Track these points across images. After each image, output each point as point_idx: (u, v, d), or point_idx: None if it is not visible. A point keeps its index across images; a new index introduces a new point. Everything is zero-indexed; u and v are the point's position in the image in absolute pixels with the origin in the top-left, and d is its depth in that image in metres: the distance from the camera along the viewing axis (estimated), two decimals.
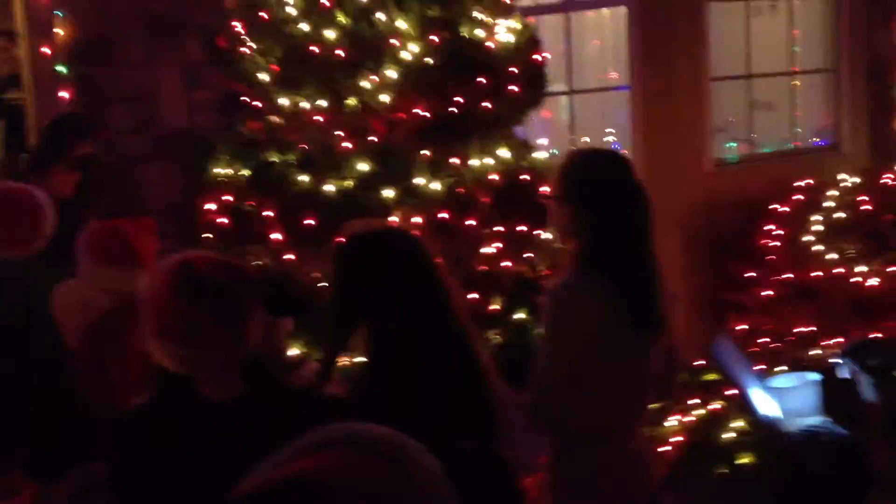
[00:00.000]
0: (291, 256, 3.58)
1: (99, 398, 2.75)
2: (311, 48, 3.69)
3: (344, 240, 2.33)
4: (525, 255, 3.70)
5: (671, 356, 2.54)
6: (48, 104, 5.31)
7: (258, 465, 0.89)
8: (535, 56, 4.03)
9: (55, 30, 5.29)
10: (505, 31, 3.91)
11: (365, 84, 3.65)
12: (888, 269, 4.80)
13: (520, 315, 3.54)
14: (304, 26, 3.72)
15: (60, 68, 5.29)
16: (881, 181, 5.47)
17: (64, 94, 5.30)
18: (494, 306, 3.52)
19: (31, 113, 5.59)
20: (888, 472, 2.31)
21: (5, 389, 3.07)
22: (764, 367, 4.26)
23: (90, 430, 2.77)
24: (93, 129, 4.46)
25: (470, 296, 3.36)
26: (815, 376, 4.16)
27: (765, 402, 4.01)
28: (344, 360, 2.94)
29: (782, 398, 4.02)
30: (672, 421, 3.58)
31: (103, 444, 2.75)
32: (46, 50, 5.31)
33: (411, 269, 2.17)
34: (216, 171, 3.84)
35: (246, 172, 3.77)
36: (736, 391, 4.06)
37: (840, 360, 3.83)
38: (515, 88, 3.83)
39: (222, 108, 5.49)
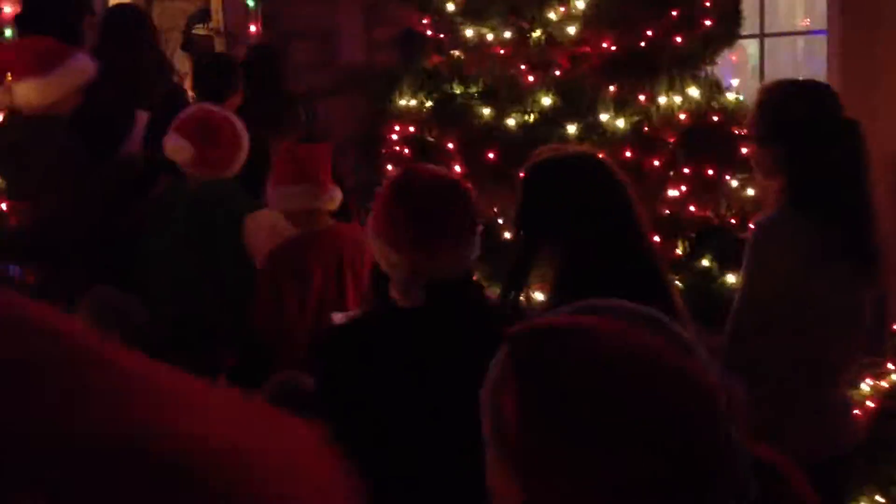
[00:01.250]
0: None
1: (272, 323, 2.84)
2: None
3: (534, 164, 2.29)
4: (711, 200, 3.55)
5: (882, 306, 2.36)
6: (236, 38, 5.50)
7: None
8: None
9: None
10: None
11: (551, 15, 3.56)
12: None
13: (704, 262, 3.41)
14: None
15: (249, 2, 5.47)
16: None
17: (251, 28, 5.48)
18: (677, 251, 3.41)
19: (219, 46, 5.81)
20: None
21: (206, 300, 3.22)
22: None
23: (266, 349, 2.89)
24: (284, 62, 4.59)
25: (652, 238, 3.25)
26: None
27: None
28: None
29: None
30: (864, 385, 3.36)
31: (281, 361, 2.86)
32: None
33: (606, 190, 2.11)
34: (399, 102, 3.86)
35: (428, 104, 3.77)
36: None
37: None
38: (708, 23, 3.65)
39: (402, 44, 5.54)
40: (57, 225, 3.14)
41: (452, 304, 1.95)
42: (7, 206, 2.96)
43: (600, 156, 2.31)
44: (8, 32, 4.84)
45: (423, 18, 4.07)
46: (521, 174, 2.25)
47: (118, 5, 4.91)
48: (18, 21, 3.91)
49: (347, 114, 5.28)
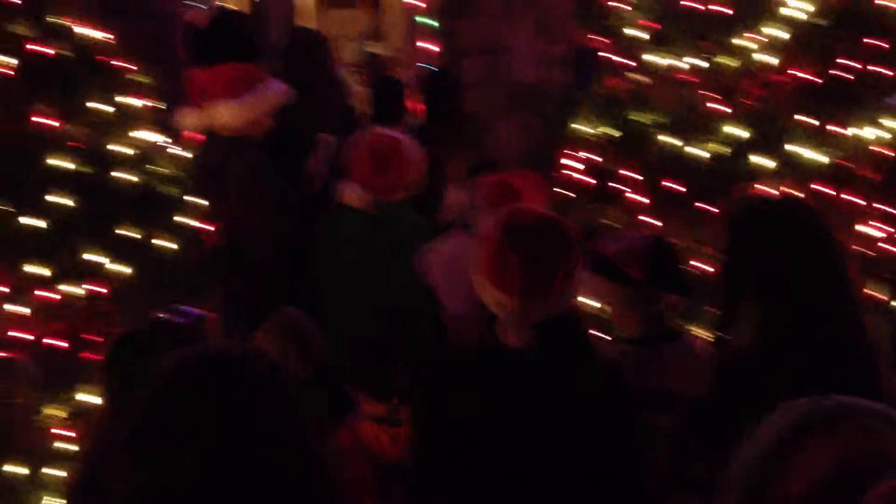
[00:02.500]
0: (653, 220, 3.49)
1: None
2: (689, 3, 3.53)
3: (743, 211, 2.24)
4: None
5: None
6: (412, 56, 5.59)
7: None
8: None
9: None
10: None
11: (743, 43, 3.44)
12: None
13: None
14: None
15: (424, 20, 5.54)
16: None
17: (426, 46, 5.56)
18: (880, 294, 3.23)
19: (395, 64, 5.93)
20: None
21: (381, 324, 3.28)
22: None
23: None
24: (460, 84, 4.65)
25: None
26: None
27: None
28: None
29: None
30: None
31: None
32: (414, 2, 5.58)
33: (813, 246, 2.05)
34: (577, 126, 3.82)
35: (608, 130, 3.71)
36: None
37: None
38: None
39: (575, 63, 5.49)
40: (253, 242, 3.27)
41: (562, 345, 1.99)
42: (211, 226, 3.10)
43: (809, 205, 2.25)
44: None
45: (600, 38, 4.00)
46: (730, 219, 2.20)
47: (299, 30, 5.06)
48: (191, 46, 4.08)
49: (518, 132, 5.28)
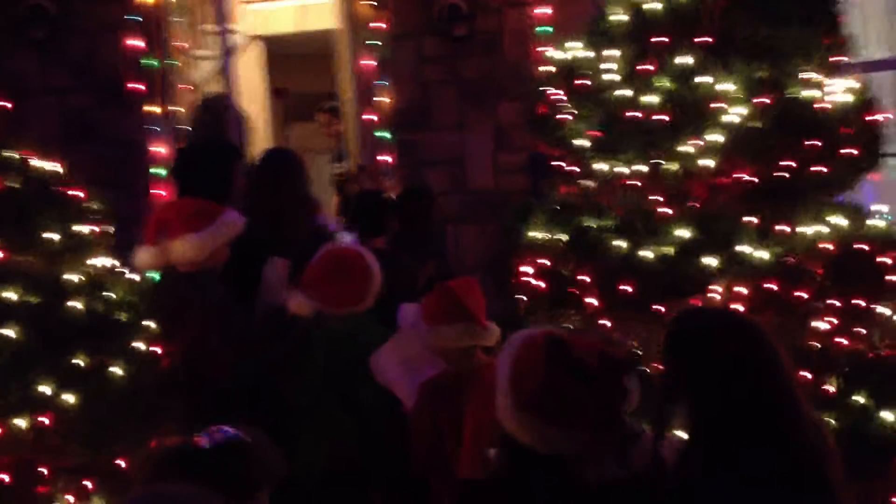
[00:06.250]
0: (607, 322, 3.53)
1: (432, 457, 2.83)
2: (632, 113, 3.65)
3: (679, 323, 2.25)
4: (863, 332, 3.39)
5: None
6: (370, 169, 5.70)
7: None
8: (870, 116, 3.75)
9: (378, 98, 5.69)
10: (841, 92, 3.66)
11: (686, 148, 3.55)
12: None
13: (858, 398, 3.24)
14: (625, 91, 3.70)
15: (382, 134, 5.68)
16: None
17: (385, 159, 5.68)
18: (829, 387, 3.25)
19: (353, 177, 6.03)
20: None
21: (349, 439, 3.26)
22: None
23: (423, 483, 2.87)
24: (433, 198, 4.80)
25: (800, 374, 3.12)
26: None
27: None
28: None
29: None
30: None
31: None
32: (370, 116, 5.72)
33: (748, 363, 2.05)
34: (532, 234, 3.88)
35: (562, 237, 3.78)
36: None
37: None
38: (854, 151, 3.56)
39: (528, 170, 5.62)
40: (212, 365, 3.26)
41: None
42: (161, 350, 3.09)
43: (743, 316, 2.27)
44: (161, 171, 5.18)
45: (551, 149, 4.11)
46: (666, 331, 2.22)
47: (273, 150, 5.15)
48: (174, 172, 4.15)
49: (477, 240, 5.36)
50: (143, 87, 5.30)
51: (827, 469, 1.97)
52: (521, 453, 1.89)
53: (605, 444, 1.87)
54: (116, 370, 2.83)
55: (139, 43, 5.31)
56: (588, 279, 3.62)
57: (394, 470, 3.21)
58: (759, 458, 1.91)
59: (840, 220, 3.52)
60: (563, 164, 4.01)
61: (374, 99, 5.66)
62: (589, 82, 3.80)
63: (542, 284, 3.75)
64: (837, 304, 3.39)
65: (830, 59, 3.75)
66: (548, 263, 3.77)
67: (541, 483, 1.89)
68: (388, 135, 5.62)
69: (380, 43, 5.64)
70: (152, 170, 5.24)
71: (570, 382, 1.84)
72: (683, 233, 3.49)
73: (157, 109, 5.34)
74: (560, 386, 1.84)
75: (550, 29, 5.58)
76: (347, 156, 6.27)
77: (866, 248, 3.45)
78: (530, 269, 3.82)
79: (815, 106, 3.59)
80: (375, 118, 5.67)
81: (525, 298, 3.82)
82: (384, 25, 5.65)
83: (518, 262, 3.91)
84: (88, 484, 2.76)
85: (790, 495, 1.88)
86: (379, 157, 5.66)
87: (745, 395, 2.00)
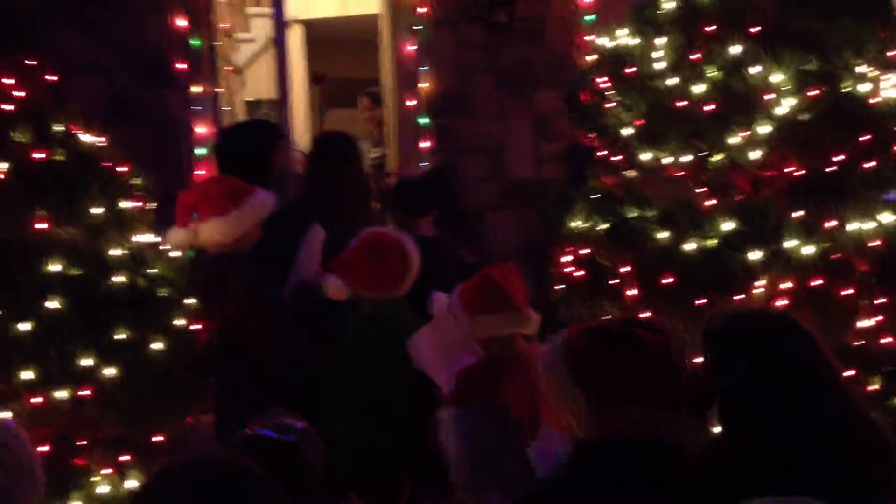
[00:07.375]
0: (645, 314, 3.48)
1: None
2: (678, 102, 3.60)
3: (718, 322, 2.22)
4: None
5: None
6: (409, 154, 5.69)
7: None
8: None
9: (420, 84, 5.67)
10: (893, 87, 3.57)
11: (734, 140, 3.49)
12: None
13: None
14: (672, 80, 3.65)
15: (422, 120, 5.66)
16: None
17: (424, 145, 5.66)
18: (872, 386, 3.19)
19: (392, 162, 6.03)
20: None
21: (378, 425, 3.26)
22: None
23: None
24: (454, 182, 4.73)
25: (844, 373, 3.06)
26: None
27: None
28: None
29: None
30: None
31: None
32: (411, 102, 5.70)
33: (776, 361, 2.04)
34: (572, 223, 3.85)
35: (603, 226, 3.74)
36: None
37: None
38: None
39: (567, 159, 5.58)
40: (248, 342, 3.27)
41: (664, 471, 1.92)
42: (199, 326, 3.10)
43: (786, 316, 2.23)
44: (204, 150, 5.21)
45: (593, 138, 4.07)
46: (706, 330, 2.20)
47: (328, 133, 5.17)
48: (216, 151, 4.17)
49: (515, 228, 5.33)
50: (186, 67, 5.33)
51: (884, 468, 1.95)
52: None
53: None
54: (157, 345, 2.85)
55: (184, 23, 5.34)
56: (628, 270, 3.58)
57: (420, 455, 3.20)
58: (815, 466, 1.92)
59: (888, 218, 3.45)
60: (607, 154, 3.97)
61: (419, 85, 5.63)
62: (635, 70, 3.76)
63: (581, 273, 3.72)
64: (883, 301, 3.32)
65: (886, 54, 3.67)
66: (587, 252, 3.74)
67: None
68: (427, 120, 5.60)
69: (421, 27, 5.61)
70: (196, 149, 5.27)
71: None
72: (727, 226, 3.44)
73: (201, 89, 5.37)
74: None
75: (594, 17, 5.53)
76: (384, 142, 6.27)
77: None
78: (569, 258, 3.80)
79: (868, 101, 3.52)
80: (415, 103, 5.66)
81: (563, 287, 3.80)
82: (426, 10, 5.62)
83: (557, 251, 3.89)
84: (126, 457, 2.78)
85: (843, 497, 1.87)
86: (420, 144, 5.64)
87: (791, 399, 2.00)
